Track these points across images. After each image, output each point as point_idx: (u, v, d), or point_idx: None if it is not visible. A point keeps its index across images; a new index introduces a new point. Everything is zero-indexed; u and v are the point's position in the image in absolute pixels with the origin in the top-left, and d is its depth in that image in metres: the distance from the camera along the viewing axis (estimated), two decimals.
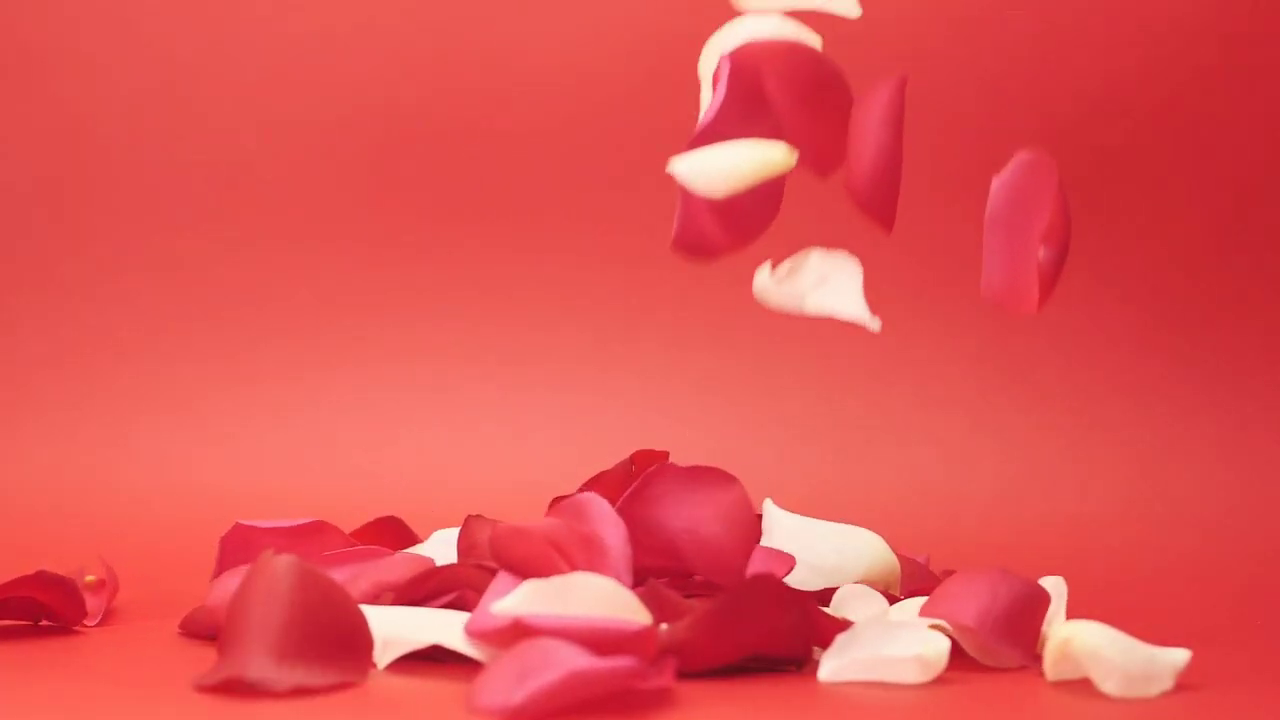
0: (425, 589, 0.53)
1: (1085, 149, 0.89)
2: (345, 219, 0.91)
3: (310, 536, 0.57)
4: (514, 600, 0.47)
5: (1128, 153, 0.89)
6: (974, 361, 0.88)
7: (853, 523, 0.67)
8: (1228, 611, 0.65)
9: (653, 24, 0.90)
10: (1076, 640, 0.48)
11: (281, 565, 0.48)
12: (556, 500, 0.55)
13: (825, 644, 0.50)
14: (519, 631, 0.47)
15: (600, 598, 0.47)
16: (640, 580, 0.51)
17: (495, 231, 0.91)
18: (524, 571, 0.50)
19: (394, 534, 0.62)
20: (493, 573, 0.51)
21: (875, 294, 0.89)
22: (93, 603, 0.58)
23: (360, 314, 0.90)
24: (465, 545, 0.55)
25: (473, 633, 0.48)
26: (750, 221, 0.54)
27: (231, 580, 0.54)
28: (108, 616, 0.59)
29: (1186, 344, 0.87)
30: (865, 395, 0.88)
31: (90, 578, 0.59)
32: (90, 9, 0.91)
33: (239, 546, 0.57)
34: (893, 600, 0.56)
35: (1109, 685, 0.48)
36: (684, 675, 0.49)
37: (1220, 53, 0.88)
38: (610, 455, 0.75)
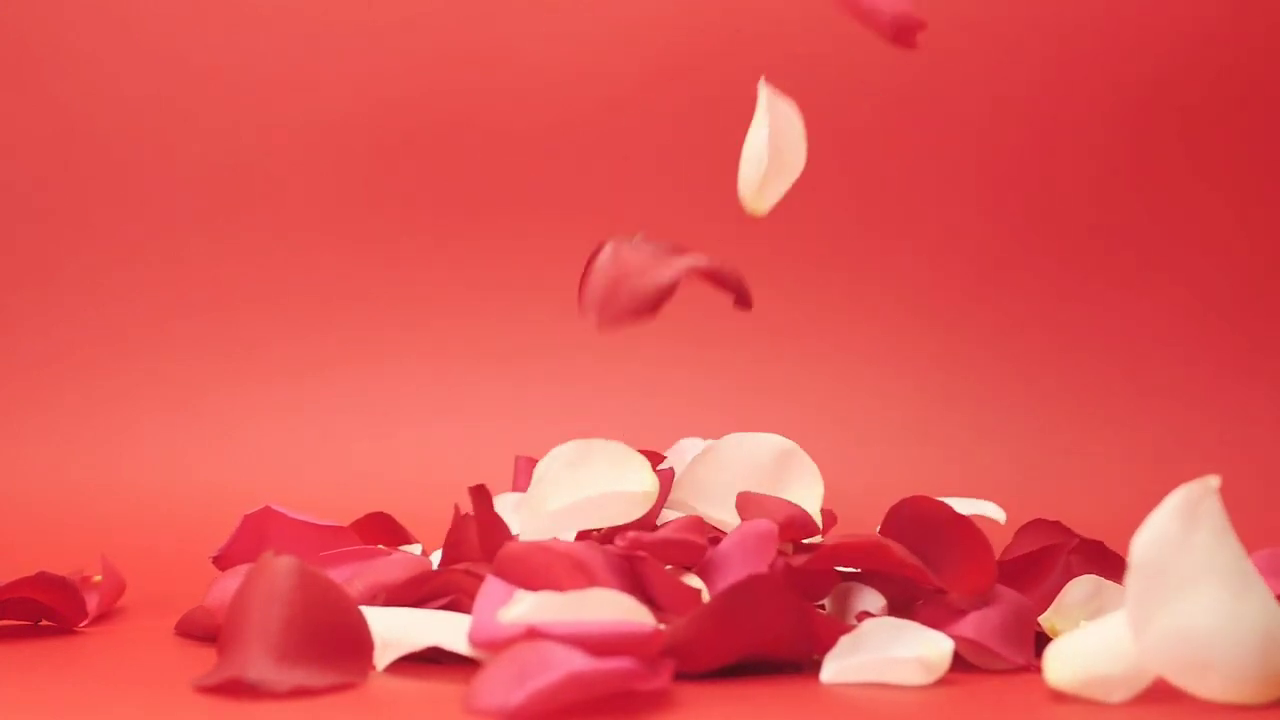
0: (421, 593, 0.53)
1: (1087, 149, 0.89)
2: (346, 218, 0.91)
3: (327, 539, 0.57)
4: (524, 609, 0.47)
5: (1127, 154, 0.89)
6: (974, 361, 0.88)
7: (851, 522, 0.67)
8: None
9: (654, 21, 0.90)
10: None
11: (282, 566, 0.48)
12: None
13: (824, 647, 0.50)
14: (525, 638, 0.47)
15: (608, 607, 0.47)
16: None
17: (495, 230, 0.91)
18: (529, 587, 0.50)
19: (384, 530, 0.62)
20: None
21: (875, 293, 0.89)
22: (91, 602, 0.58)
23: (360, 313, 0.90)
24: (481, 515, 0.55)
25: (477, 642, 0.48)
26: None
27: (229, 581, 0.55)
28: (108, 616, 0.59)
29: (1188, 342, 0.87)
30: (865, 395, 0.88)
31: (98, 577, 0.59)
32: (90, 9, 0.91)
33: (257, 528, 0.57)
34: None
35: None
36: (684, 676, 0.49)
37: (1219, 55, 0.88)
38: None
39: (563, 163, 0.90)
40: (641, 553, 0.51)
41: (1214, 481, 0.47)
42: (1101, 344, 0.88)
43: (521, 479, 0.63)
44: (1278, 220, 0.88)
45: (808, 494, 0.55)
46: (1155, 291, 0.88)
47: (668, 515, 0.55)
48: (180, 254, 0.91)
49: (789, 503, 0.53)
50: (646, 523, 0.54)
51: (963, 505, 0.56)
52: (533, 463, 0.61)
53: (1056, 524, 0.59)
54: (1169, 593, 0.45)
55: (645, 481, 0.54)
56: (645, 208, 0.90)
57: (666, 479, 0.56)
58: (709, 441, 0.59)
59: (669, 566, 0.52)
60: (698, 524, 0.53)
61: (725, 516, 0.55)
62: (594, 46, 0.91)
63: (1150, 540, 0.46)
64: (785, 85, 0.90)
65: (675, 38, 0.90)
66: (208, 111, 0.91)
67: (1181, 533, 0.46)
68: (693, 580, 0.52)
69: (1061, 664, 0.47)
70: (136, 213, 0.91)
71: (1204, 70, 0.88)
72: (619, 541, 0.52)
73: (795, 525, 0.52)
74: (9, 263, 0.91)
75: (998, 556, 0.57)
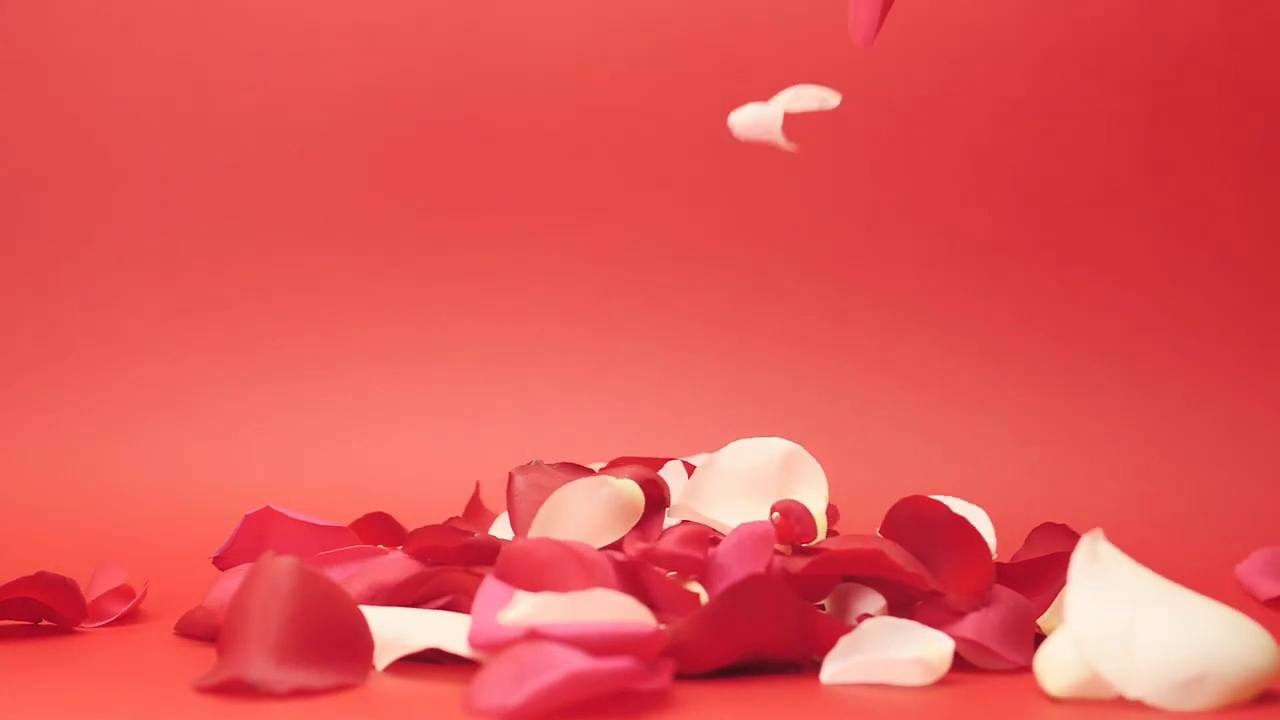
0: (419, 593, 0.53)
1: (1089, 147, 0.89)
2: (346, 218, 0.91)
3: (327, 539, 0.57)
4: (524, 611, 0.47)
5: (1128, 154, 0.89)
6: (974, 361, 0.88)
7: (850, 522, 0.67)
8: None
9: (658, 24, 0.90)
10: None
11: (282, 566, 0.48)
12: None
13: (823, 648, 0.50)
14: (525, 639, 0.47)
15: (609, 608, 0.47)
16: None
17: (497, 230, 0.91)
18: (530, 588, 0.50)
19: (384, 530, 0.62)
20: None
21: (876, 291, 0.89)
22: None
23: (361, 313, 0.90)
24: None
25: (477, 644, 0.48)
26: None
27: (229, 582, 0.55)
28: (107, 616, 0.59)
29: (1189, 342, 0.87)
30: (865, 394, 0.88)
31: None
32: (90, 10, 0.91)
33: (257, 528, 0.57)
34: None
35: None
36: (684, 676, 0.49)
37: (1222, 53, 0.88)
38: (613, 453, 0.75)
39: (564, 164, 0.90)
40: (649, 563, 0.51)
41: (1096, 531, 0.48)
42: (1102, 344, 0.88)
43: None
44: (1278, 219, 0.88)
45: (813, 495, 0.55)
46: (1155, 291, 0.88)
47: (668, 521, 0.55)
48: (180, 254, 0.91)
49: (798, 502, 0.53)
50: (651, 531, 0.55)
51: (954, 505, 0.56)
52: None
53: (1064, 527, 0.59)
54: (1129, 635, 0.46)
55: (818, 504, 0.54)
56: (648, 210, 0.90)
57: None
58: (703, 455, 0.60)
59: (671, 574, 0.52)
60: (701, 535, 0.53)
61: (733, 522, 0.55)
62: (597, 48, 0.91)
63: (1080, 610, 0.46)
64: (788, 85, 0.90)
65: (679, 40, 0.90)
66: (207, 112, 0.91)
67: (1100, 582, 0.47)
68: (692, 585, 0.52)
69: (1055, 672, 0.47)
70: (136, 213, 0.91)
71: (1206, 69, 0.88)
72: (628, 550, 0.52)
73: (794, 516, 0.52)
74: (9, 263, 0.91)
75: (1009, 559, 0.57)
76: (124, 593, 0.59)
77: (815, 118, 0.90)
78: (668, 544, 0.52)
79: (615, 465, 0.58)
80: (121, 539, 0.76)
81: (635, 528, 0.54)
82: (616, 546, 0.54)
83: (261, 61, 0.91)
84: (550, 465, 0.56)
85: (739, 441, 0.57)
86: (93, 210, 0.91)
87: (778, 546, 0.52)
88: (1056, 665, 0.47)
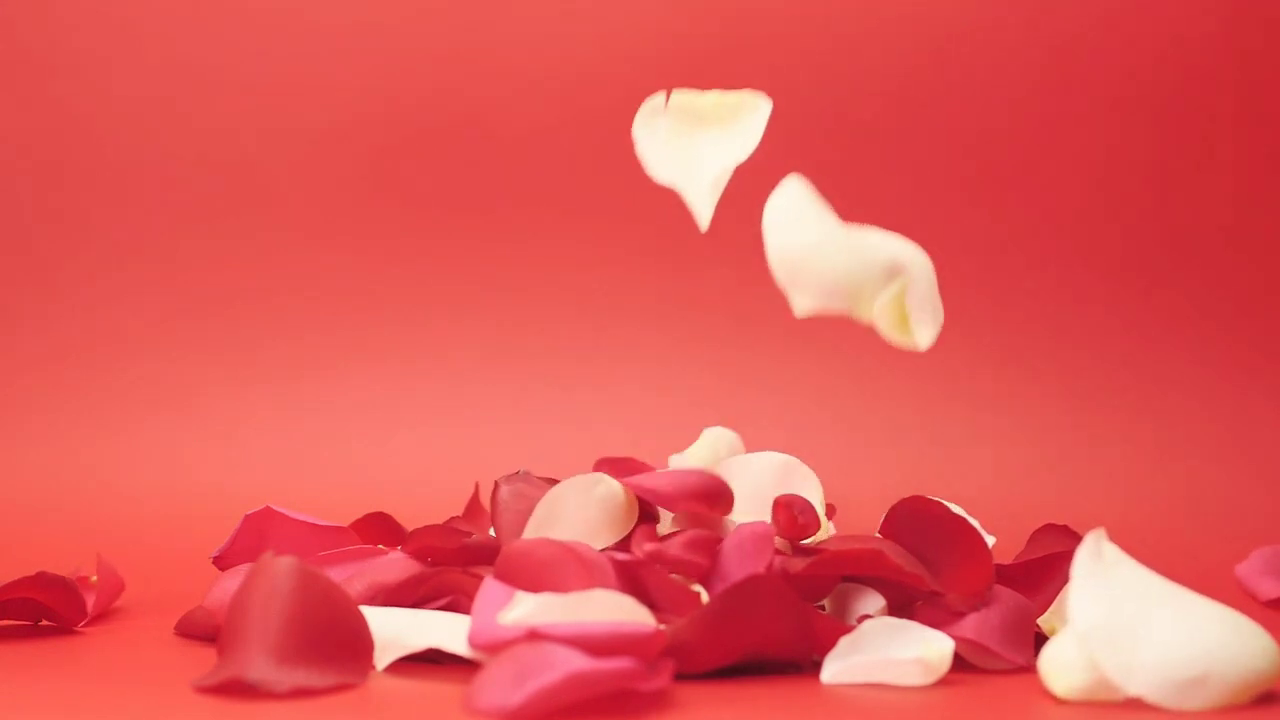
0: (419, 593, 0.53)
1: (1090, 147, 0.89)
2: (346, 219, 0.91)
3: (327, 539, 0.57)
4: (524, 611, 0.47)
5: (1129, 154, 0.89)
6: (974, 360, 0.88)
7: (850, 522, 0.67)
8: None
9: (657, 23, 0.90)
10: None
11: (282, 566, 0.48)
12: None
13: (824, 648, 0.50)
14: (525, 639, 0.47)
15: (609, 608, 0.47)
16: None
17: (497, 231, 0.91)
18: (530, 588, 0.50)
19: (384, 530, 0.62)
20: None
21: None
22: (88, 602, 0.58)
23: (361, 313, 0.90)
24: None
25: (477, 645, 0.48)
26: None
27: (229, 582, 0.55)
28: (107, 616, 0.59)
29: (1189, 341, 0.87)
30: (865, 395, 0.88)
31: (94, 578, 0.59)
32: (90, 10, 0.91)
33: (257, 528, 0.57)
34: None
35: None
36: (684, 676, 0.49)
37: (1222, 56, 0.88)
38: (613, 453, 0.75)
39: (565, 164, 0.90)
40: (657, 565, 0.51)
41: (1099, 530, 0.48)
42: (1102, 344, 0.88)
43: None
44: (1278, 220, 0.88)
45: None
46: (1156, 291, 0.88)
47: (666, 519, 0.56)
48: (180, 254, 0.91)
49: (799, 496, 0.53)
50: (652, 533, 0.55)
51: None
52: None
53: (1065, 528, 0.59)
54: (1132, 634, 0.46)
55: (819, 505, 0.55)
56: (648, 210, 0.90)
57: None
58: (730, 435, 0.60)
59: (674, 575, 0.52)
60: (707, 539, 0.53)
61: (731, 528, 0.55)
62: (597, 48, 0.91)
63: (1084, 604, 0.46)
64: (789, 86, 0.90)
65: (679, 39, 0.90)
66: (207, 112, 0.91)
67: (1104, 581, 0.47)
68: (693, 586, 0.52)
69: (1063, 674, 0.47)
70: (137, 213, 0.91)
71: (1207, 71, 0.88)
72: (636, 551, 0.52)
73: (797, 508, 0.52)
74: (9, 263, 0.91)
75: (1010, 560, 0.57)
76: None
77: (815, 118, 0.90)
78: (675, 548, 0.52)
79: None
80: (121, 539, 0.76)
81: (636, 529, 0.54)
82: (621, 547, 0.54)
83: (261, 61, 0.91)
84: (537, 476, 0.56)
85: (736, 458, 0.57)
86: (93, 210, 0.91)
87: (778, 546, 0.52)
88: (1062, 667, 0.47)
